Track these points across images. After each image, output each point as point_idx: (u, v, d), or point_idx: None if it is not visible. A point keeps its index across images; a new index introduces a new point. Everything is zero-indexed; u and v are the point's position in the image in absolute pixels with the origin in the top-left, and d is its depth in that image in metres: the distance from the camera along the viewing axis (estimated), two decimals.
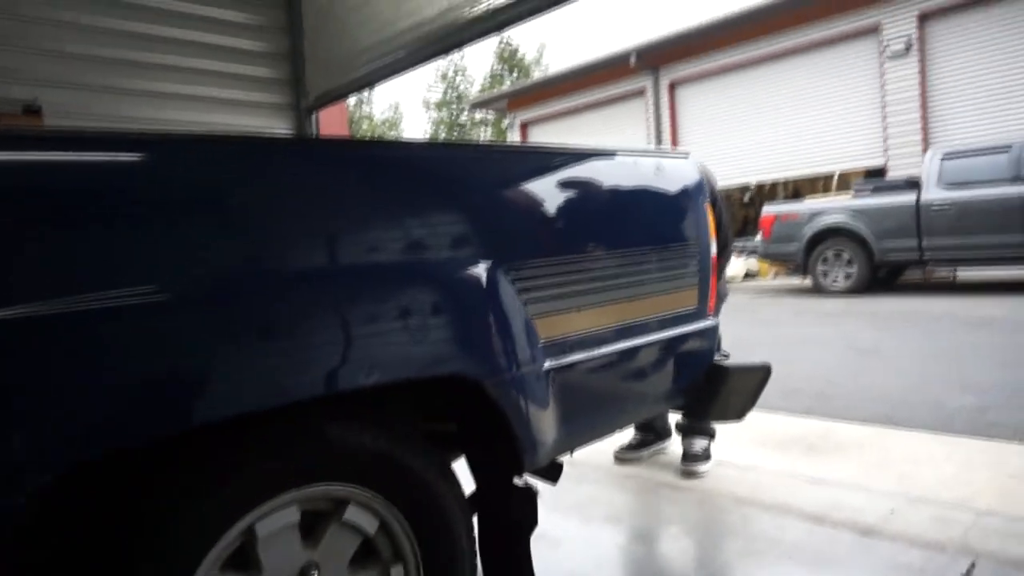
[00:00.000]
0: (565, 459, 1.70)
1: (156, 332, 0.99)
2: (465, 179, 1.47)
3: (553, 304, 1.56)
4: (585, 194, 1.70)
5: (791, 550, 2.06)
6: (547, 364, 1.53)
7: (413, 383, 1.30)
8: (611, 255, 1.71)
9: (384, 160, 1.38)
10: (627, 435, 3.01)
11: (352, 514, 1.25)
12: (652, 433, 2.99)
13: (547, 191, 1.59)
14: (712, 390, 1.93)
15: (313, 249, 1.20)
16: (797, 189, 14.14)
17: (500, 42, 26.89)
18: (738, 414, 2.02)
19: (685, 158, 2.03)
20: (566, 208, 1.63)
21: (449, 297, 1.34)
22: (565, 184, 1.64)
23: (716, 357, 1.98)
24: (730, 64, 13.00)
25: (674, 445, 2.96)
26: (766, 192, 14.18)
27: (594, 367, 1.65)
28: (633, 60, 13.81)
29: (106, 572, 1.02)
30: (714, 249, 2.02)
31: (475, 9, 3.86)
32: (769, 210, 9.39)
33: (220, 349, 1.05)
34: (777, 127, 12.42)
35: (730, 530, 2.27)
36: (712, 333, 1.99)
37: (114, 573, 1.02)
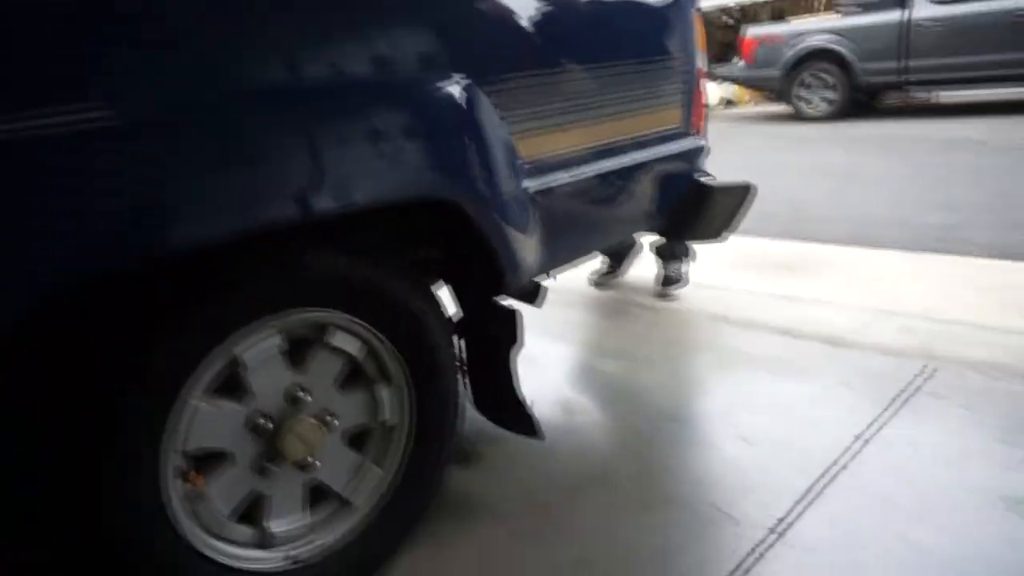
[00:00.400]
0: (548, 283, 1.70)
1: (116, 156, 0.90)
2: None
3: (534, 123, 1.48)
4: (565, 4, 1.56)
5: (764, 361, 2.16)
6: (528, 184, 1.48)
7: (393, 207, 1.25)
8: (594, 69, 1.61)
9: None
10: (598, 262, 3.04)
11: (336, 338, 1.25)
12: (620, 261, 3.01)
13: (524, 1, 1.45)
14: (693, 209, 1.90)
15: (278, 65, 1.09)
16: (781, 10, 13.44)
17: None
18: (717, 233, 2.01)
19: None
20: (544, 18, 1.51)
21: (424, 115, 1.26)
22: None
23: (698, 175, 1.93)
24: None
25: (647, 270, 3.00)
26: (750, 14, 13.48)
27: (577, 188, 1.61)
28: None
29: (91, 397, 1.02)
30: (701, 63, 1.92)
31: None
32: (751, 32, 8.96)
33: (181, 174, 0.97)
34: None
35: (704, 345, 2.36)
36: (697, 153, 1.94)
37: (98, 397, 1.01)
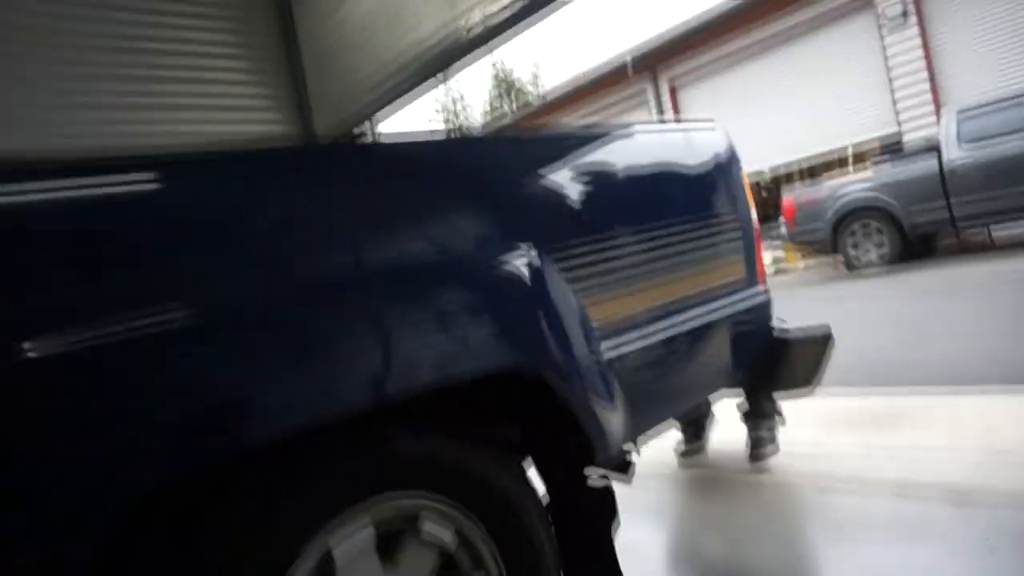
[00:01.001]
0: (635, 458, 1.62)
1: (195, 358, 0.94)
2: (497, 168, 1.43)
3: (601, 287, 1.50)
4: (618, 171, 1.65)
5: (883, 527, 1.95)
6: (604, 348, 1.47)
7: (474, 384, 1.24)
8: (651, 230, 1.65)
9: (421, 158, 1.34)
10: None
11: (429, 527, 1.18)
12: (700, 434, 2.88)
13: (585, 170, 1.56)
14: (775, 360, 1.84)
15: (355, 255, 1.15)
16: (812, 171, 13.97)
17: (494, 67, 27.07)
18: (806, 381, 1.92)
19: (711, 128, 1.97)
20: (600, 187, 1.59)
21: (497, 287, 1.29)
22: (596, 163, 1.60)
23: (773, 325, 1.90)
24: (728, 57, 12.95)
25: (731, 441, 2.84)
26: (783, 180, 14.02)
27: (651, 347, 1.59)
28: (630, 67, 13.82)
29: None
30: (755, 218, 1.96)
31: (470, 20, 3.88)
32: (790, 196, 9.25)
33: (259, 370, 0.99)
34: (784, 111, 12.27)
35: (812, 513, 2.16)
36: (765, 302, 1.91)
37: None
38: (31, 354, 0.82)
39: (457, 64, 4.53)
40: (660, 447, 2.87)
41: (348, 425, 1.11)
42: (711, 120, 2.04)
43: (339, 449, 1.10)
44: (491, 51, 4.33)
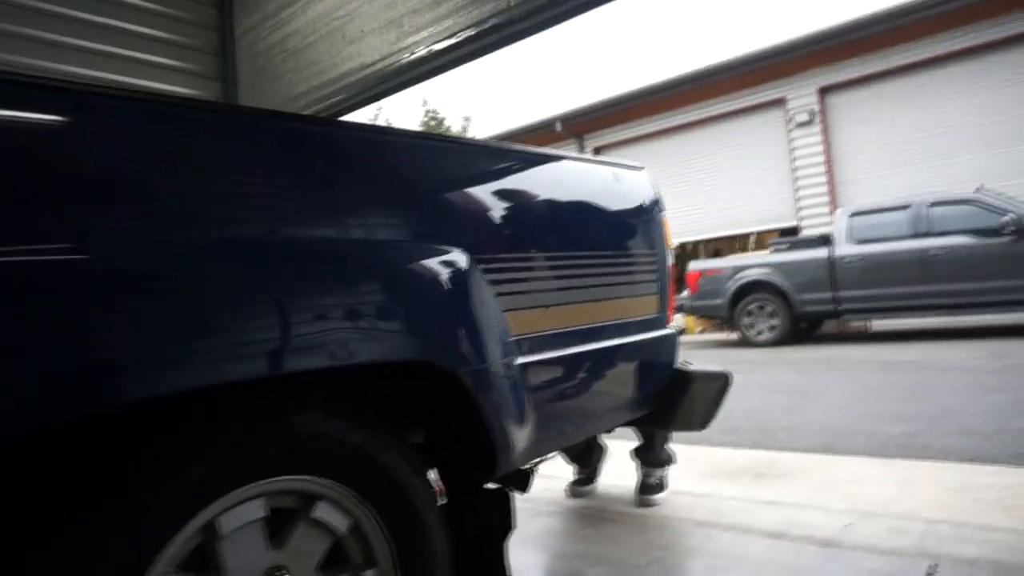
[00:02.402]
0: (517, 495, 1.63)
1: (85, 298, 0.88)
2: (442, 170, 1.45)
3: (523, 299, 1.53)
4: (552, 195, 1.70)
5: (757, 564, 2.03)
6: (519, 360, 1.48)
7: (386, 379, 1.23)
8: (578, 256, 1.71)
9: (377, 145, 1.34)
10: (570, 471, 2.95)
11: (322, 511, 1.14)
12: (591, 469, 2.94)
13: (520, 188, 1.60)
14: (676, 396, 1.92)
15: (275, 224, 1.13)
16: (717, 249, 14.78)
17: (425, 113, 27.31)
18: (702, 422, 2.01)
19: (640, 170, 2.08)
20: (533, 207, 1.64)
21: (424, 279, 1.29)
22: (537, 183, 1.65)
23: (679, 363, 1.98)
24: (651, 132, 13.66)
25: (620, 477, 2.91)
26: (688, 251, 14.76)
27: (563, 367, 1.62)
28: (559, 127, 14.31)
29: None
30: (670, 259, 2.06)
31: (416, 53, 3.93)
32: (694, 266, 9.73)
33: (157, 321, 0.93)
34: (697, 192, 13.03)
35: (693, 550, 2.22)
36: (673, 340, 2.00)
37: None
38: None
39: (390, 96, 4.57)
40: (547, 474, 2.90)
41: (252, 398, 1.07)
42: (640, 165, 2.14)
43: (239, 422, 1.06)
44: (427, 84, 4.39)
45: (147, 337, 0.90)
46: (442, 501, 1.41)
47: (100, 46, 4.33)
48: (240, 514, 1.05)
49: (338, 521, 1.16)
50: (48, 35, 4.06)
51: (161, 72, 4.74)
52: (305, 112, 4.53)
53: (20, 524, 0.90)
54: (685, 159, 13.21)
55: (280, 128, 1.21)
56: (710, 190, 12.89)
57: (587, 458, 2.89)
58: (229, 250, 1.05)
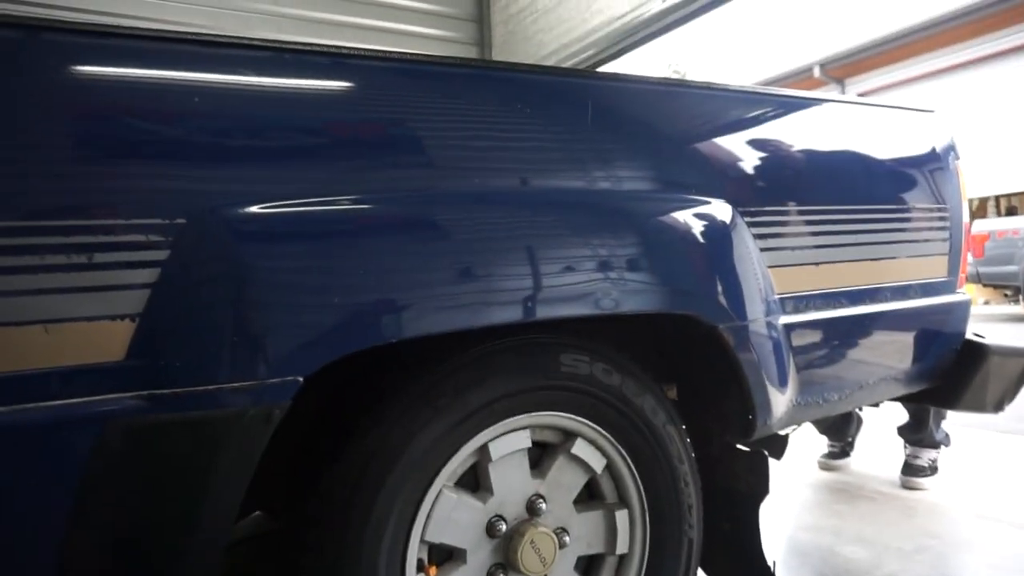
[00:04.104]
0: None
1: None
2: (709, 119, 1.40)
3: (790, 256, 1.44)
4: (827, 144, 1.56)
5: None
6: (783, 319, 1.40)
7: (647, 330, 1.23)
8: (853, 210, 1.55)
9: (637, 95, 1.34)
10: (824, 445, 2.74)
11: (580, 448, 1.20)
12: (846, 441, 2.69)
13: (789, 137, 1.49)
14: (967, 372, 1.68)
15: (556, 180, 1.18)
16: (1013, 207, 12.53)
17: (670, 68, 26.38)
18: (996, 404, 1.73)
19: (931, 113, 1.81)
20: (806, 156, 1.52)
21: (687, 233, 1.26)
22: (807, 130, 1.52)
23: (971, 334, 1.73)
24: (923, 73, 11.84)
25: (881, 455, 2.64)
26: (974, 210, 12.70)
27: (832, 330, 1.50)
28: (817, 72, 13.00)
29: (350, 471, 1.03)
30: (966, 216, 1.78)
31: (667, 2, 3.80)
32: (981, 226, 8.37)
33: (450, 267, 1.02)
34: (984, 140, 11.08)
35: (970, 543, 1.96)
36: (964, 308, 1.75)
37: (357, 473, 1.02)
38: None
39: (636, 49, 4.48)
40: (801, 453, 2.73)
41: (524, 339, 1.14)
42: (931, 108, 1.87)
43: (512, 358, 1.13)
44: (670, 38, 4.23)
45: (431, 280, 1.00)
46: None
47: (373, 22, 4.83)
48: (509, 442, 1.13)
49: (594, 460, 1.21)
50: (333, 16, 4.62)
51: (424, 42, 5.14)
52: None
53: (335, 434, 1.07)
54: (966, 102, 11.24)
55: (548, 83, 1.25)
56: (1002, 136, 10.86)
57: (842, 430, 2.67)
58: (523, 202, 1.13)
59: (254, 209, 0.89)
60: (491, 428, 1.10)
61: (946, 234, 1.73)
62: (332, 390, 1.14)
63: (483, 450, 1.12)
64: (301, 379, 0.88)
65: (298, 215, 0.92)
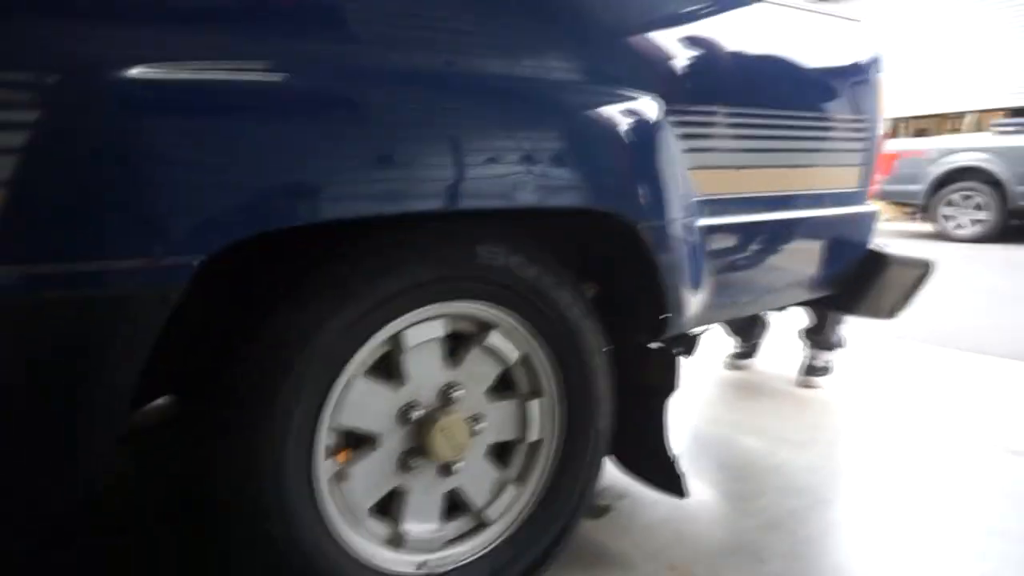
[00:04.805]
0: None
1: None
2: (642, 10, 1.34)
3: (711, 158, 1.44)
4: (756, 44, 1.54)
5: (924, 456, 1.92)
6: (701, 221, 1.42)
7: (565, 216, 1.22)
8: (776, 115, 1.56)
9: None
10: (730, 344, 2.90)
11: (495, 339, 1.20)
12: (752, 343, 2.85)
13: (719, 35, 1.45)
14: (868, 280, 1.76)
15: (486, 64, 1.12)
16: (922, 128, 13.06)
17: None
18: (891, 311, 1.85)
19: (857, 22, 1.81)
20: (734, 56, 1.49)
21: (613, 128, 1.23)
22: (737, 30, 1.49)
23: (875, 244, 1.81)
24: None
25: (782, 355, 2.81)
26: (889, 133, 13.17)
27: (747, 234, 1.54)
28: None
29: (256, 361, 1.00)
30: (882, 128, 1.83)
31: None
32: (891, 146, 8.69)
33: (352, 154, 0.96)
34: (903, 60, 11.33)
35: (858, 431, 2.14)
36: (871, 219, 1.82)
37: (266, 362, 0.99)
38: None
39: None
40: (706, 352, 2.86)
41: (439, 227, 1.11)
42: (859, 17, 1.86)
43: (426, 245, 1.10)
44: None
45: (342, 163, 0.94)
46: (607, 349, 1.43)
47: None
48: (423, 331, 1.12)
49: (509, 350, 1.22)
50: None
51: None
52: None
53: (242, 318, 1.02)
54: (890, 22, 11.38)
55: None
56: (919, 59, 11.13)
57: (749, 331, 2.81)
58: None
59: (146, 69, 0.79)
60: (404, 316, 1.09)
61: (861, 145, 1.77)
62: (246, 273, 1.08)
63: (396, 338, 1.11)
64: (197, 262, 0.82)
65: (200, 82, 0.83)
